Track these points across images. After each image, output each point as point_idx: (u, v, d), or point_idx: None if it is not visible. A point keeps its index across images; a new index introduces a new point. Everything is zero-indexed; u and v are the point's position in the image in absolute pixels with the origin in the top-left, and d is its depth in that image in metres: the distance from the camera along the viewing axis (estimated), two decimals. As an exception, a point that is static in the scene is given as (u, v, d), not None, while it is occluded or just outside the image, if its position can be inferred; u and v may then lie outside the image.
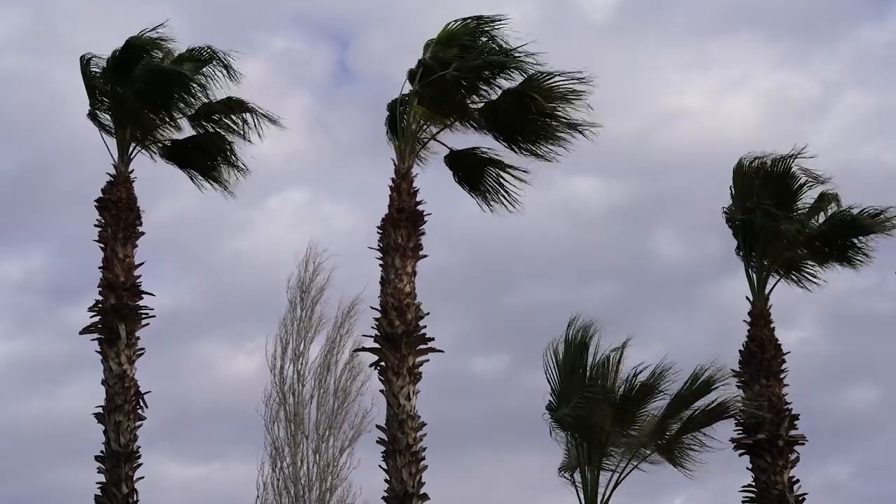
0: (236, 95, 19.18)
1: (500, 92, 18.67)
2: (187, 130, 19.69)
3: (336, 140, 43.47)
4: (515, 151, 19.23)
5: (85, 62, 18.90)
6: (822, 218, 20.29)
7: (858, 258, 20.45)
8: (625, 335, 18.04)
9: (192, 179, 20.02)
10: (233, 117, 19.37)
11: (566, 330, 18.02)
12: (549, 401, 17.95)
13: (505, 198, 19.51)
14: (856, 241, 20.30)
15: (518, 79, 18.48)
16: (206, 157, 19.78)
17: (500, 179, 19.46)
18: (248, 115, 19.23)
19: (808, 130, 41.54)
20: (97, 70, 18.96)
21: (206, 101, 19.23)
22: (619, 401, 17.47)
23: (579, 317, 17.96)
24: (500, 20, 18.47)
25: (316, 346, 30.63)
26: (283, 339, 30.49)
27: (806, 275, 20.65)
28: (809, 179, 20.23)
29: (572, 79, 18.22)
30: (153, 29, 18.67)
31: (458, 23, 18.58)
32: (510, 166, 19.34)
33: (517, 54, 18.34)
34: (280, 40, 45.17)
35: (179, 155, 19.83)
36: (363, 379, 29.97)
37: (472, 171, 19.55)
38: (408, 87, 18.72)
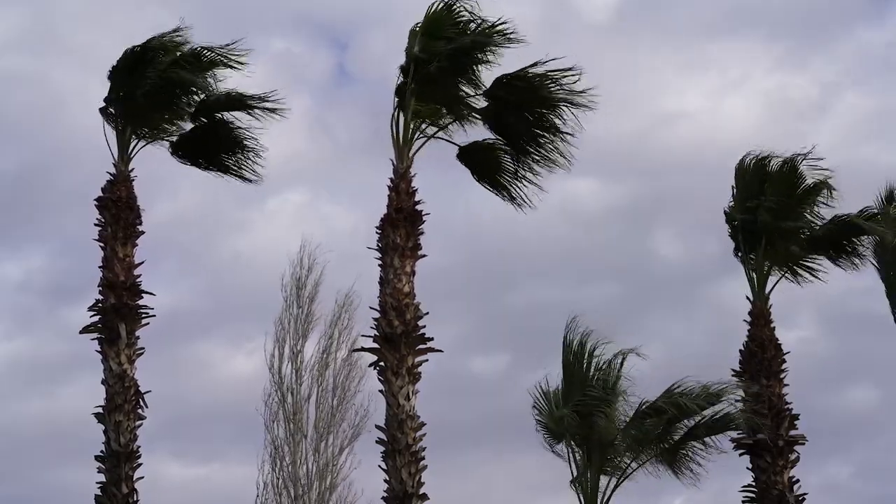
0: (235, 90, 19.16)
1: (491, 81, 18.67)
2: (189, 127, 19.67)
3: (336, 140, 43.55)
4: (516, 148, 19.29)
5: (118, 62, 18.82)
6: (818, 209, 20.27)
7: (856, 258, 20.47)
8: (623, 335, 18.11)
9: (207, 171, 19.99)
10: (233, 112, 19.37)
11: (564, 333, 18.04)
12: (536, 417, 17.88)
13: (527, 186, 19.32)
14: (854, 241, 20.32)
15: (502, 62, 18.49)
16: (217, 147, 19.75)
17: (518, 166, 19.27)
18: (248, 111, 19.24)
19: (807, 131, 41.61)
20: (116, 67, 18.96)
21: (206, 96, 19.21)
22: (632, 421, 17.41)
23: (576, 320, 18.01)
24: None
25: (313, 343, 30.68)
26: (279, 338, 30.51)
27: (806, 271, 20.64)
28: (815, 180, 20.22)
29: (565, 69, 18.29)
30: (172, 32, 18.67)
31: (440, 5, 18.48)
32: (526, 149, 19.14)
33: (497, 32, 18.29)
34: (279, 42, 45.23)
35: (189, 150, 19.78)
36: (360, 375, 30.00)
37: (487, 164, 19.38)
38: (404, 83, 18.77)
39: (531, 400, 17.92)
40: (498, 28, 18.24)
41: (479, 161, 19.41)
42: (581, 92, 18.28)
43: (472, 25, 18.48)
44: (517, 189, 19.39)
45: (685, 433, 17.65)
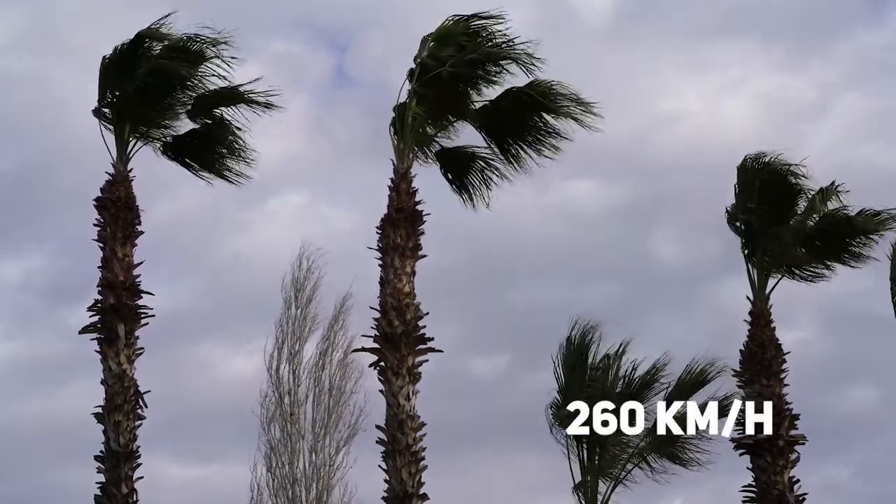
0: (230, 83, 19.05)
1: (499, 91, 18.73)
2: (186, 125, 19.67)
3: (335, 141, 43.63)
4: (508, 155, 19.36)
5: (105, 60, 18.81)
6: (823, 212, 20.21)
7: (857, 259, 20.43)
8: (625, 335, 18.22)
9: (194, 174, 19.99)
10: (229, 106, 19.33)
11: (568, 330, 18.19)
12: (555, 398, 18.11)
13: (487, 193, 19.63)
14: (853, 242, 20.28)
15: (515, 74, 18.54)
16: (208, 149, 19.75)
17: (485, 174, 19.55)
18: (243, 104, 19.21)
19: (806, 132, 41.62)
20: (107, 66, 18.90)
21: (203, 92, 19.18)
22: (617, 397, 17.60)
23: (581, 317, 18.18)
24: (497, 18, 18.48)
25: (311, 345, 30.75)
26: (278, 339, 30.58)
27: (807, 271, 20.62)
28: (806, 182, 20.22)
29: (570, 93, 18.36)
30: (159, 20, 18.59)
31: (455, 19, 18.58)
32: (494, 162, 19.43)
33: (511, 47, 18.36)
34: (279, 43, 45.28)
35: (181, 150, 19.79)
36: (356, 376, 30.07)
37: (458, 166, 19.62)
38: (408, 87, 18.77)
39: (535, 397, 18.12)
40: (516, 45, 18.32)
41: (451, 162, 19.62)
42: (588, 105, 18.39)
43: (484, 34, 18.55)
44: (476, 191, 19.66)
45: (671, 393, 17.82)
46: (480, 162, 19.53)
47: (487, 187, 19.58)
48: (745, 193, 20.14)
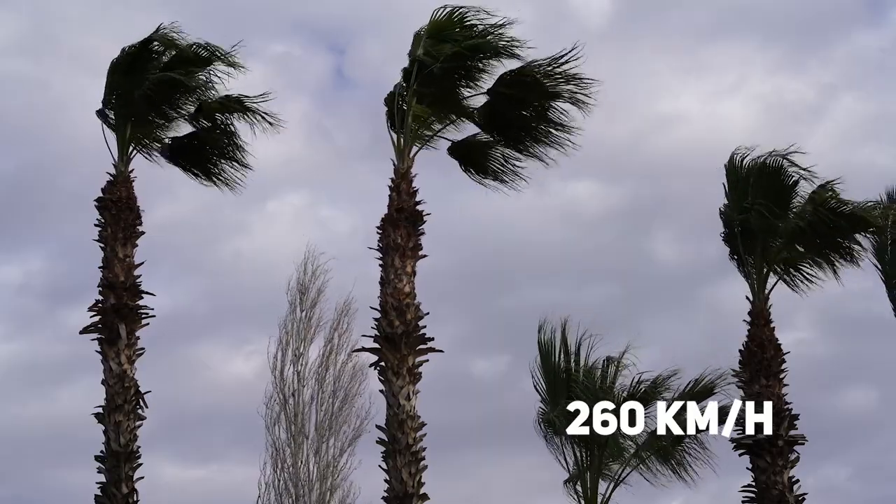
0: (235, 93, 19.16)
1: (493, 82, 18.82)
2: (186, 128, 19.73)
3: (334, 144, 43.65)
4: (512, 149, 19.43)
5: (113, 62, 18.87)
6: (819, 211, 20.19)
7: (853, 255, 20.41)
8: (621, 337, 18.20)
9: (193, 177, 20.03)
10: (231, 115, 19.37)
11: (538, 334, 18.18)
12: (540, 407, 18.05)
13: (513, 175, 19.74)
14: (850, 238, 20.28)
15: (505, 63, 18.69)
16: (207, 154, 19.80)
17: (506, 158, 19.65)
18: (246, 114, 19.25)
19: (803, 134, 41.66)
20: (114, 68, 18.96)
21: (205, 98, 19.24)
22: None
23: (548, 320, 18.18)
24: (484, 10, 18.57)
25: (316, 347, 30.78)
26: (283, 341, 30.61)
27: (803, 276, 20.63)
28: (802, 176, 20.19)
29: (563, 61, 18.40)
30: (166, 29, 18.64)
31: (445, 11, 18.63)
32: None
33: (497, 35, 18.44)
34: (278, 45, 45.33)
35: (179, 154, 19.83)
36: (360, 379, 30.09)
37: (476, 156, 19.69)
38: (400, 82, 18.80)
39: (534, 397, 18.07)
40: (504, 33, 18.38)
41: (468, 153, 19.68)
42: (582, 80, 18.42)
43: (478, 28, 18.57)
44: (505, 175, 19.74)
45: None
46: (498, 147, 19.62)
47: (512, 170, 19.73)
48: (736, 190, 20.13)
